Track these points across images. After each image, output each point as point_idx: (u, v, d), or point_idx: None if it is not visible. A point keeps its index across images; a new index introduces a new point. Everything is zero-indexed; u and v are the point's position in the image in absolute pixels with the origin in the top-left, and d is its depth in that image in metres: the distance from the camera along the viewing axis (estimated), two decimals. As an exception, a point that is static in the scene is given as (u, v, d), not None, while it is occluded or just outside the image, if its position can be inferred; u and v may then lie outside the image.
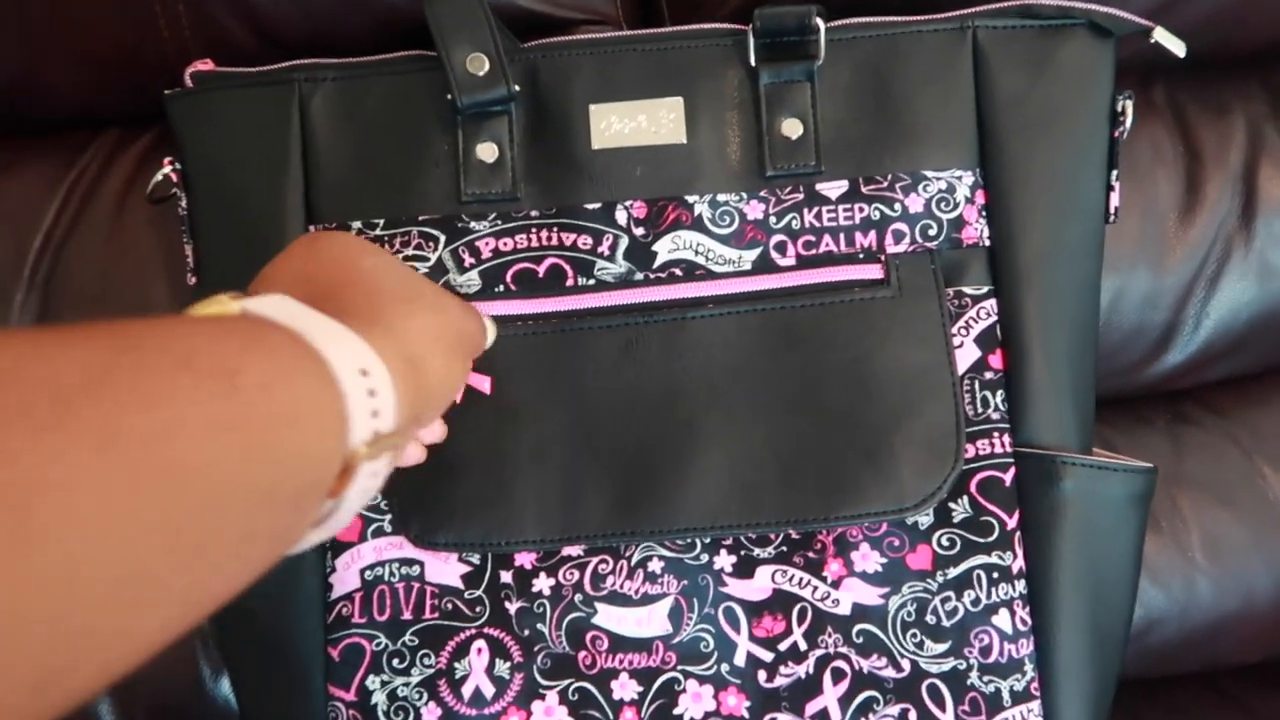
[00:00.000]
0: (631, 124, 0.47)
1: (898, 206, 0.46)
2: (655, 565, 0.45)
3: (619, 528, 0.45)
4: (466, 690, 0.45)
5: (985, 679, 0.43)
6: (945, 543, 0.44)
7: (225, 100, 0.49)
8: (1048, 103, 0.47)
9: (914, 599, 0.44)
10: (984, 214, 0.46)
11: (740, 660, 0.45)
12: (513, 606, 0.45)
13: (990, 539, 0.44)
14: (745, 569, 0.45)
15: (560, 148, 0.47)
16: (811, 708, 0.44)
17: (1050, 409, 0.45)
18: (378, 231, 0.47)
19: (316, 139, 0.48)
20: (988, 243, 0.46)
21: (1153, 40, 0.47)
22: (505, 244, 0.47)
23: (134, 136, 0.60)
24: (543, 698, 0.44)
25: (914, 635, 0.44)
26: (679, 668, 0.44)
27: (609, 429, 0.45)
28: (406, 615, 0.45)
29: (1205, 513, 0.63)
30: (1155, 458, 0.63)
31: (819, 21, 0.46)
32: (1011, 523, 0.44)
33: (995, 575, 0.44)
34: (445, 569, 0.45)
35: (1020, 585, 0.44)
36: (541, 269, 0.47)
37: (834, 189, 0.46)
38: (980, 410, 0.45)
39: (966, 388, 0.45)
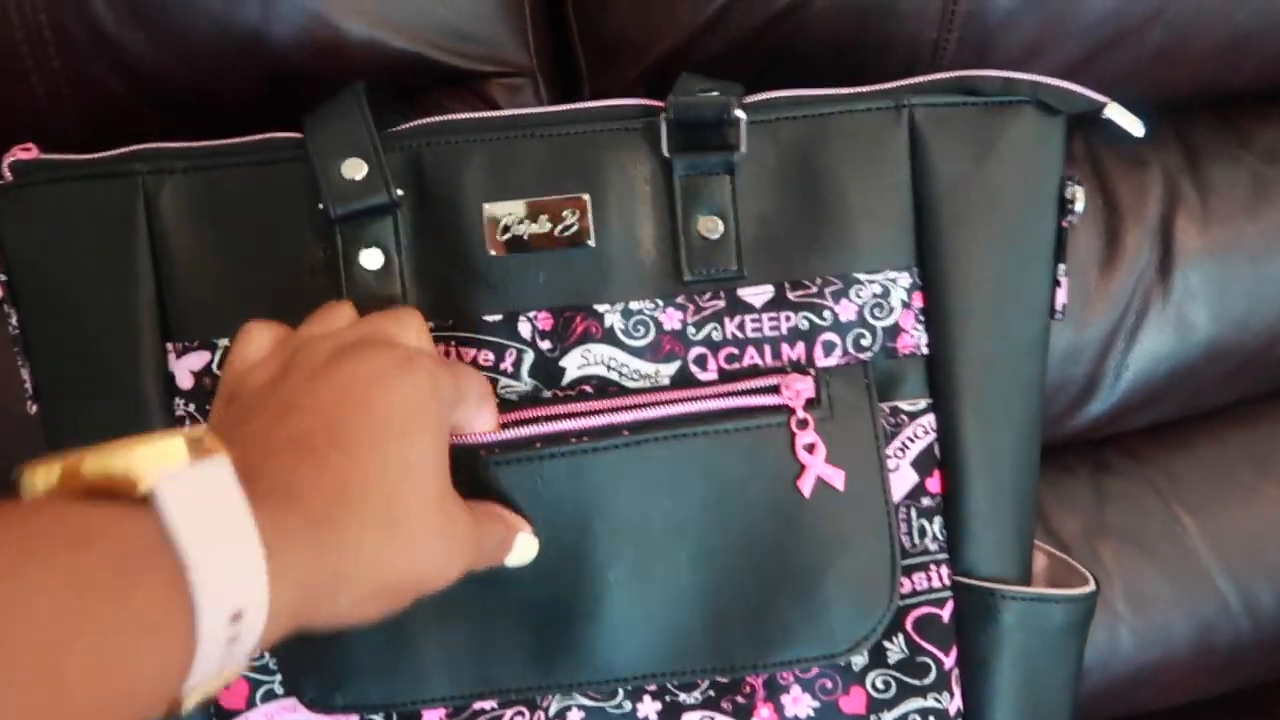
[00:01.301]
0: (531, 226, 0.40)
1: (827, 314, 0.40)
2: (574, 716, 0.41)
3: (535, 681, 0.40)
4: None
5: (921, 829, 0.40)
6: (880, 685, 0.40)
7: (55, 197, 0.40)
8: (991, 190, 0.41)
9: (848, 745, 0.40)
10: (921, 319, 0.41)
11: None
12: None
13: (927, 680, 0.40)
14: (671, 717, 0.41)
15: (453, 252, 0.40)
16: None
17: (991, 536, 0.41)
18: (248, 353, 0.41)
19: (169, 242, 0.40)
20: (925, 350, 0.41)
21: (1104, 116, 0.42)
22: None
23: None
24: None
25: (848, 784, 0.40)
26: None
27: (518, 574, 0.40)
28: (304, 784, 0.41)
29: (1127, 563, 0.61)
30: (1078, 508, 0.61)
31: (740, 113, 0.40)
32: (949, 662, 0.40)
33: (932, 719, 0.41)
34: (344, 730, 0.41)
35: (956, 723, 0.41)
36: None
37: (758, 295, 0.41)
38: (917, 541, 0.40)
39: (902, 516, 0.40)
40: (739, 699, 0.40)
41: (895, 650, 0.40)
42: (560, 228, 0.40)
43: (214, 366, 0.40)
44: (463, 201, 0.40)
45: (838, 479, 0.39)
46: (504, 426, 0.39)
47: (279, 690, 0.40)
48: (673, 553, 0.39)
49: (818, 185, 0.40)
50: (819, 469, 0.39)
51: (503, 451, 0.38)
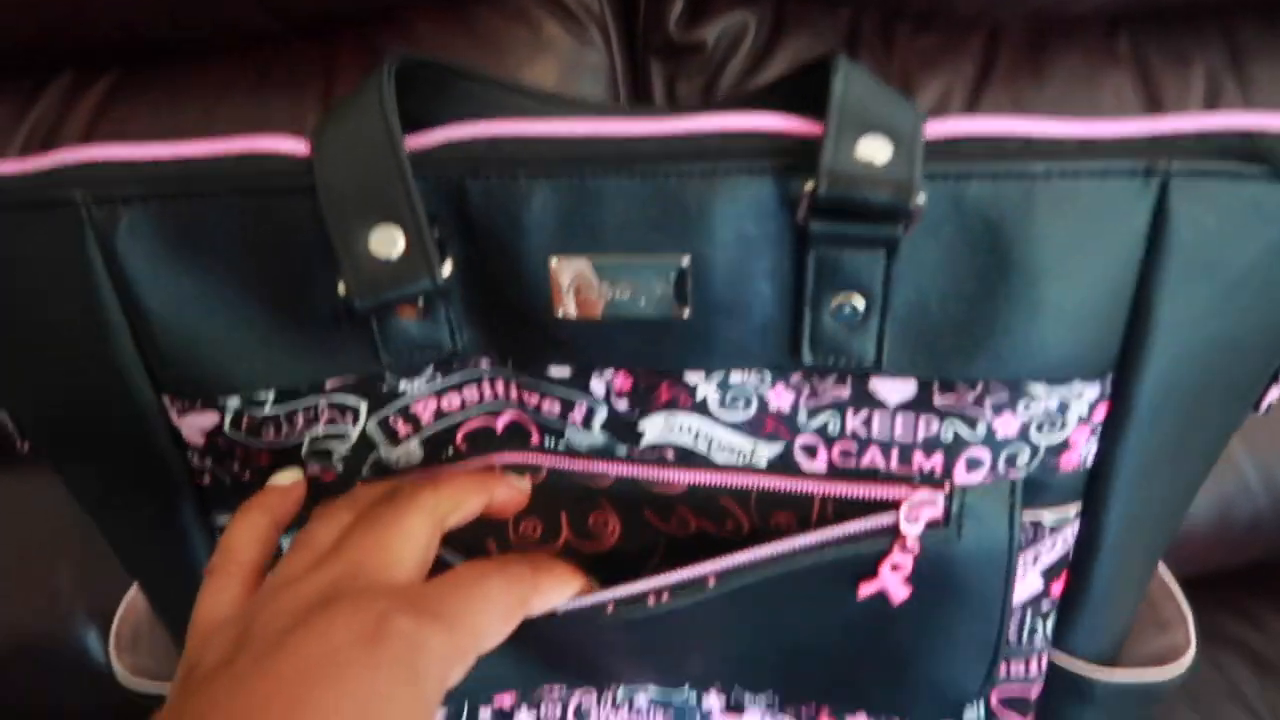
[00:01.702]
0: (612, 291, 0.31)
1: (981, 428, 0.31)
2: (641, 700, 0.41)
3: (602, 680, 0.40)
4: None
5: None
6: None
7: None
8: (1239, 284, 0.29)
9: (905, 772, 0.41)
10: (1096, 432, 0.32)
11: None
12: None
13: (997, 741, 0.40)
14: (735, 710, 0.41)
15: (512, 304, 0.31)
16: None
17: (1100, 625, 0.37)
18: (266, 409, 0.33)
19: (138, 289, 0.31)
20: (1089, 464, 0.33)
21: None
22: (450, 402, 0.34)
23: (89, 80, 0.47)
24: None
25: (899, 797, 0.42)
26: None
27: (592, 644, 0.37)
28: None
29: None
30: None
31: (922, 200, 0.27)
32: (1023, 725, 0.40)
33: None
34: None
35: (1015, 768, 0.41)
36: (499, 425, 0.35)
37: (896, 392, 0.32)
38: (1026, 639, 0.36)
39: (1017, 618, 0.36)
40: (804, 709, 0.40)
41: (973, 714, 0.39)
42: (648, 295, 0.30)
43: (226, 427, 0.33)
44: (523, 254, 0.30)
45: (898, 596, 0.33)
46: (574, 478, 0.34)
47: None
48: (745, 623, 0.36)
49: (1004, 269, 0.29)
50: (888, 583, 0.33)
51: (567, 613, 0.33)
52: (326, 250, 0.29)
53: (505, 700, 0.41)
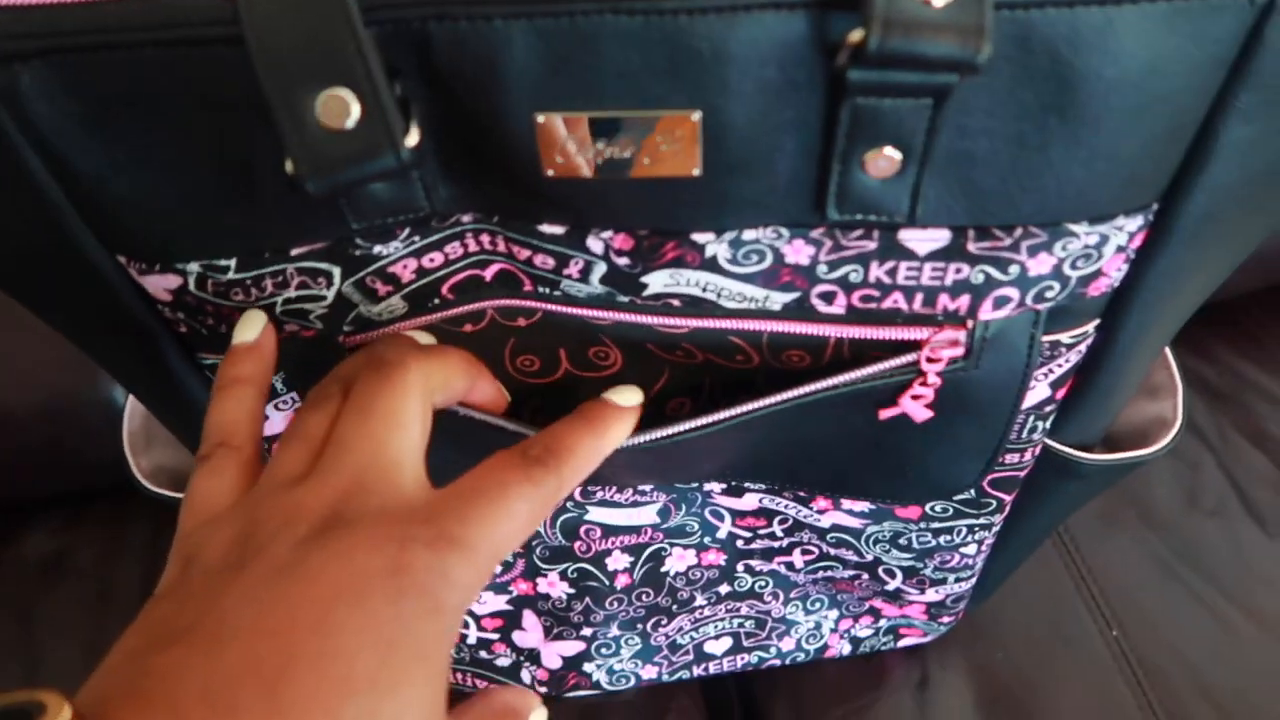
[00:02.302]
0: (610, 150, 0.26)
1: (1013, 269, 0.28)
2: (645, 484, 0.43)
3: (607, 482, 0.41)
4: (474, 575, 0.47)
5: (938, 573, 0.46)
6: (939, 509, 0.41)
7: None
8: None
9: (892, 530, 0.43)
10: (1131, 258, 0.30)
11: (722, 535, 0.46)
12: None
13: (985, 510, 0.41)
14: (734, 493, 0.42)
15: (494, 163, 0.27)
16: (779, 559, 0.47)
17: (1096, 417, 0.37)
18: (230, 275, 0.29)
19: (60, 151, 0.26)
20: (1115, 286, 0.31)
21: None
22: (432, 260, 0.30)
23: None
24: (545, 575, 0.47)
25: (884, 546, 0.44)
26: (666, 540, 0.46)
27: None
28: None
29: None
30: None
31: (986, 54, 0.22)
32: (1009, 499, 0.41)
33: (977, 529, 0.42)
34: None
35: (997, 527, 0.43)
36: (488, 274, 0.32)
37: (926, 243, 0.28)
38: (1025, 436, 0.36)
39: (1020, 420, 0.36)
40: (800, 492, 0.42)
41: (965, 493, 0.40)
42: (653, 156, 0.26)
43: (191, 288, 0.30)
44: (504, 109, 0.25)
45: (919, 417, 0.33)
46: (570, 323, 0.32)
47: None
48: (760, 438, 0.36)
49: (1065, 110, 0.25)
50: (909, 409, 0.33)
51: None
52: (268, 111, 0.24)
53: None
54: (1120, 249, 0.29)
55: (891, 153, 0.25)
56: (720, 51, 0.23)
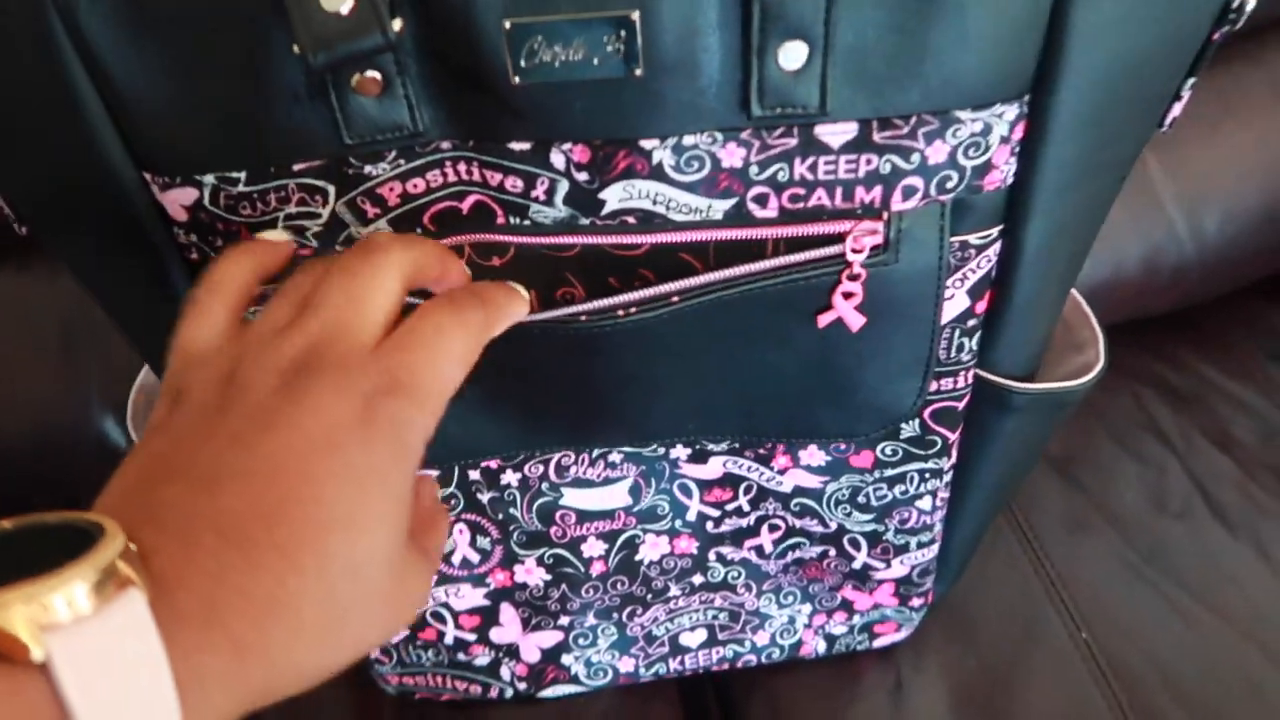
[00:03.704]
0: (565, 52, 0.32)
1: (915, 158, 0.34)
2: (615, 457, 0.46)
3: (576, 445, 0.45)
4: (455, 559, 0.49)
5: (899, 536, 0.49)
6: (889, 452, 0.45)
7: None
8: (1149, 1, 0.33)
9: (850, 486, 0.46)
10: (1016, 151, 0.36)
11: (691, 517, 0.49)
12: (485, 496, 0.47)
13: (931, 451, 0.45)
14: (699, 459, 0.46)
15: (469, 75, 0.33)
16: (749, 543, 0.50)
17: (1021, 343, 0.42)
18: (240, 188, 0.35)
19: (105, 68, 0.32)
20: (1010, 181, 0.37)
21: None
22: (415, 185, 0.36)
23: None
24: (522, 562, 0.50)
25: (844, 508, 0.48)
26: (639, 527, 0.49)
27: (566, 376, 0.41)
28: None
29: None
30: None
31: None
32: (953, 437, 0.45)
33: (928, 475, 0.46)
34: (413, 480, 0.46)
35: (948, 476, 0.47)
36: (465, 206, 0.37)
37: (838, 135, 0.34)
38: (953, 355, 0.41)
39: (945, 336, 0.40)
40: (760, 450, 0.46)
41: (909, 429, 0.44)
42: (601, 54, 0.32)
43: (205, 202, 0.35)
44: (476, 17, 0.31)
45: (855, 324, 0.38)
46: (542, 250, 0.37)
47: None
48: (718, 367, 0.40)
49: (936, 2, 0.32)
50: (843, 313, 0.38)
51: (543, 326, 0.36)
52: (283, 19, 0.30)
53: (491, 461, 0.46)
54: (1004, 139, 0.35)
55: (798, 45, 0.32)
56: (650, -42, 0.30)
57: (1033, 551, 0.61)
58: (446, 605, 0.51)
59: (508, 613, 0.52)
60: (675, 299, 0.37)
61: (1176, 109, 0.37)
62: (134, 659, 0.21)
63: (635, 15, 0.31)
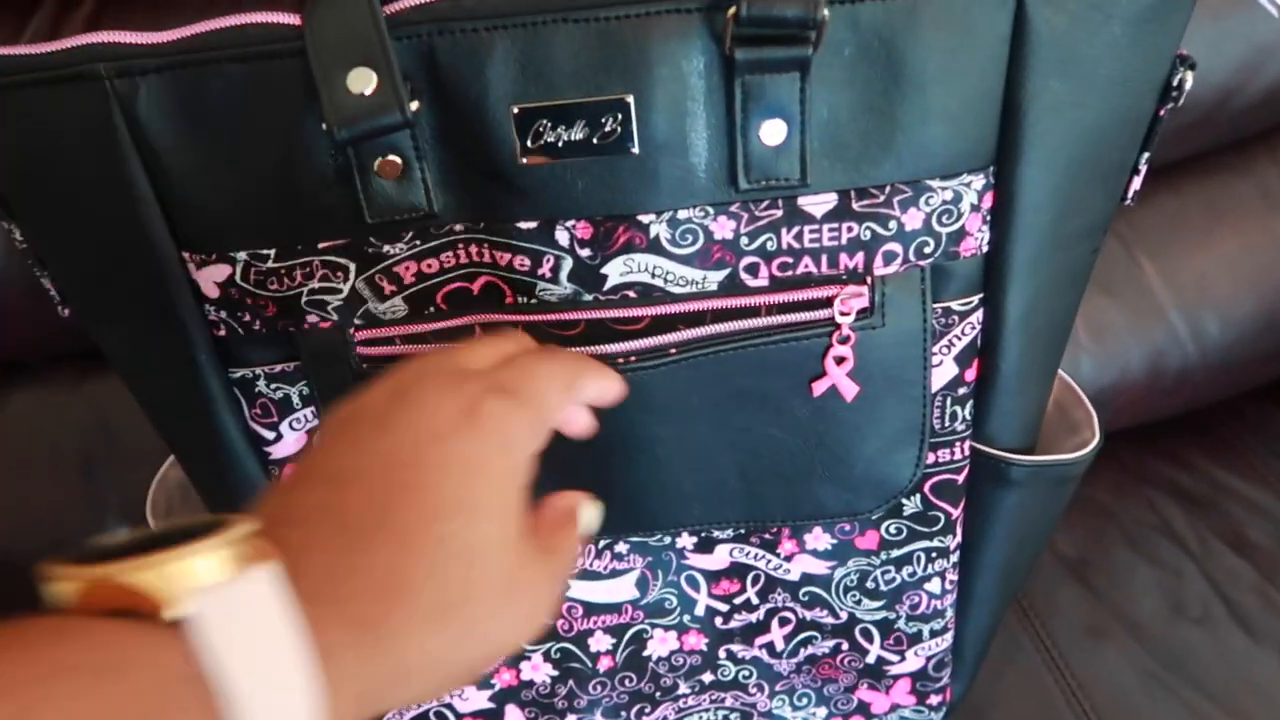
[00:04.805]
0: (568, 133, 0.36)
1: (893, 224, 0.38)
2: (621, 547, 0.48)
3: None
4: (458, 654, 0.50)
5: (910, 624, 0.50)
6: (893, 530, 0.47)
7: (20, 103, 0.35)
8: (1094, 78, 0.36)
9: (858, 570, 0.48)
10: (988, 219, 0.40)
11: (700, 611, 0.49)
12: None
13: (935, 528, 0.46)
14: (705, 547, 0.47)
15: (480, 157, 0.37)
16: (760, 641, 0.51)
17: (1014, 411, 0.44)
18: (269, 264, 0.39)
19: (157, 153, 0.36)
20: (985, 249, 0.40)
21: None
22: (429, 265, 0.40)
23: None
24: (529, 658, 0.50)
25: (854, 596, 0.49)
26: (646, 621, 0.50)
27: (564, 454, 0.43)
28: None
29: (1089, 301, 0.69)
30: None
31: (827, 12, 0.34)
32: (956, 513, 0.46)
33: (934, 554, 0.47)
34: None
35: (954, 556, 0.48)
36: (475, 287, 0.40)
37: (820, 205, 0.38)
38: (947, 424, 0.43)
39: (938, 404, 0.43)
40: (766, 536, 0.47)
41: (911, 506, 0.46)
42: (600, 134, 0.36)
43: (237, 278, 0.39)
44: (488, 103, 0.36)
45: (849, 392, 0.41)
46: (548, 327, 0.40)
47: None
48: (715, 438, 0.42)
49: (898, 80, 0.36)
50: (837, 380, 0.41)
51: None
52: (315, 104, 0.35)
53: None
54: (975, 207, 0.38)
55: (777, 123, 0.36)
56: (643, 46, 0.35)
57: (1051, 660, 0.61)
58: (450, 707, 0.51)
59: (513, 714, 0.52)
60: (673, 350, 0.39)
61: (1136, 182, 0.40)
62: (271, 625, 0.22)
63: (630, 98, 0.35)
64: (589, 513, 0.35)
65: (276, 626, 0.22)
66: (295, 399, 0.42)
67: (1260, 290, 0.72)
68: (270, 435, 0.43)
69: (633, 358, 0.40)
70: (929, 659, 0.51)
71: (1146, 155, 0.40)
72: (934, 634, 0.50)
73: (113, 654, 0.20)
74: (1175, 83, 0.38)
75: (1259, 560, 0.65)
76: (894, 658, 0.50)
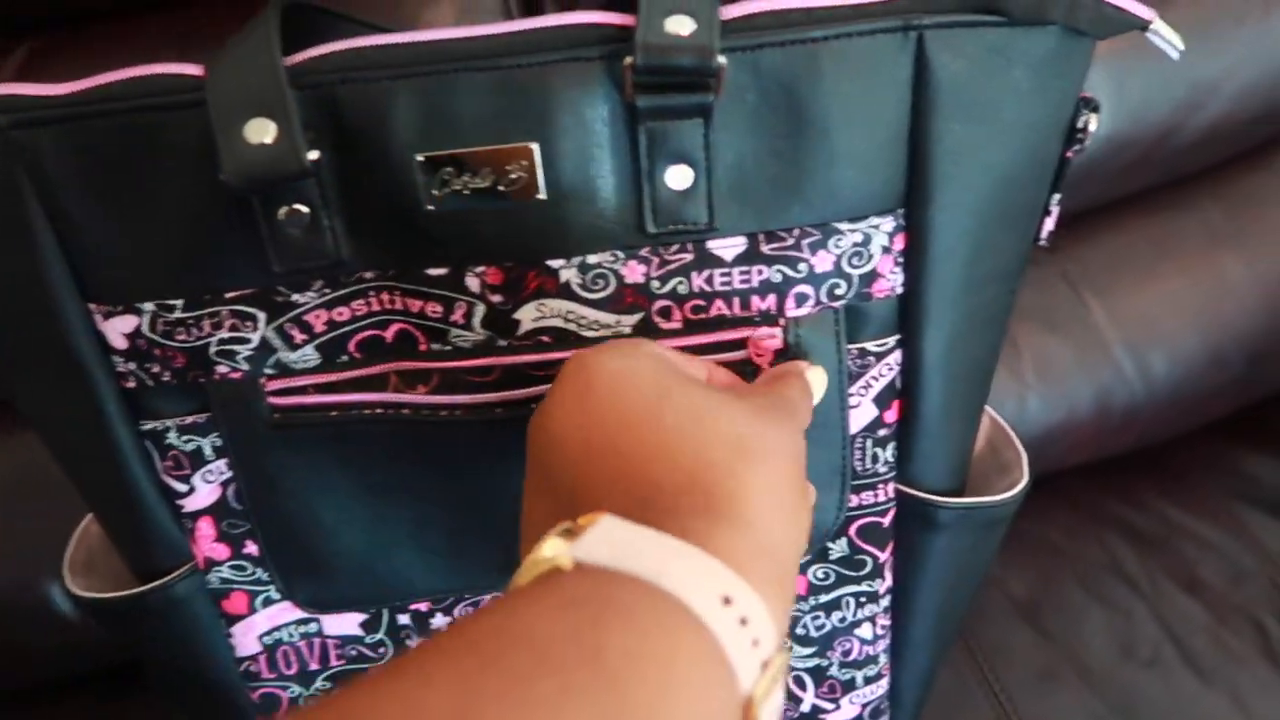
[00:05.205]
0: (473, 181, 0.37)
1: (803, 267, 0.38)
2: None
3: (507, 582, 0.46)
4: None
5: (844, 671, 0.49)
6: (820, 575, 0.46)
7: None
8: (999, 124, 0.37)
9: (788, 615, 0.47)
10: (900, 261, 0.40)
11: None
12: (414, 642, 0.47)
13: (863, 572, 0.46)
14: None
15: (386, 205, 0.37)
16: None
17: (938, 453, 0.44)
18: (177, 314, 0.38)
19: (59, 203, 0.36)
20: (900, 291, 0.41)
21: (1147, 34, 0.37)
22: (340, 313, 0.40)
23: (7, 48, 0.52)
24: None
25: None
26: None
27: (490, 503, 0.43)
28: (314, 666, 0.47)
29: (1035, 339, 0.70)
30: None
31: (722, 59, 0.34)
32: (884, 556, 0.46)
33: (863, 599, 0.47)
34: (342, 621, 0.46)
35: (885, 601, 0.48)
36: (389, 334, 0.40)
37: (729, 249, 0.38)
38: (869, 465, 0.44)
39: (858, 445, 0.43)
40: None
41: (837, 550, 0.45)
42: (505, 182, 0.37)
43: (144, 329, 0.39)
44: (392, 153, 0.36)
45: None
46: (463, 374, 0.40)
47: (276, 596, 0.45)
48: None
49: (801, 125, 0.36)
50: None
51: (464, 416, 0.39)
52: (213, 139, 0.34)
53: (420, 604, 0.46)
54: (886, 249, 0.39)
55: (683, 168, 0.36)
56: (545, 94, 0.35)
57: (1000, 705, 0.60)
58: None
59: None
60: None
61: (1049, 223, 0.41)
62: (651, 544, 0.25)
63: (535, 146, 0.36)
64: (818, 379, 0.38)
65: (651, 539, 0.25)
66: (208, 450, 0.42)
67: (1205, 327, 0.73)
68: (183, 488, 0.42)
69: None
70: (865, 706, 0.50)
71: (1057, 197, 0.40)
72: (868, 680, 0.49)
73: (564, 594, 0.24)
74: (1080, 125, 0.38)
75: (1210, 600, 0.65)
76: (829, 705, 0.50)
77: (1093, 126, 0.38)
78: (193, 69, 0.35)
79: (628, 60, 0.34)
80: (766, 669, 0.24)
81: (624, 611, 0.23)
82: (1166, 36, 0.36)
